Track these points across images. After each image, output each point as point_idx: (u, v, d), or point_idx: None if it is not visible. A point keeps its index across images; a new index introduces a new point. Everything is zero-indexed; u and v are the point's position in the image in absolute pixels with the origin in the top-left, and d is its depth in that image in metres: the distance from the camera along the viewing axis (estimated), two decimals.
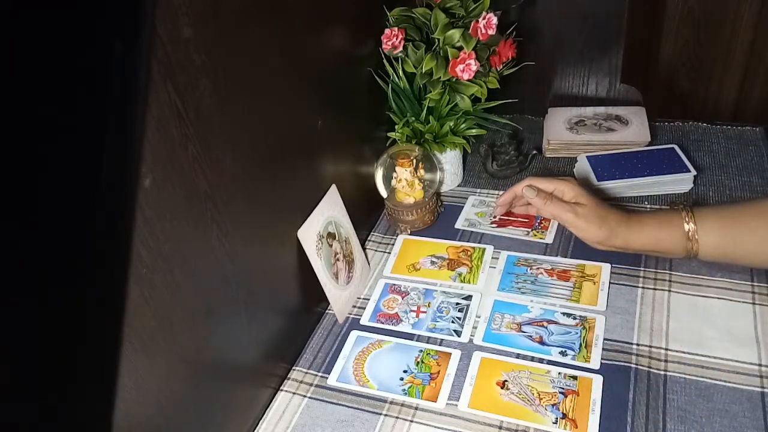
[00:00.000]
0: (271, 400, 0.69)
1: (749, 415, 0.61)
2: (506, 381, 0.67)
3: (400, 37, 0.85)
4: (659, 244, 0.73)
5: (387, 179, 0.90)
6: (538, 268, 0.81)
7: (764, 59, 1.40)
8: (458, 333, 0.74)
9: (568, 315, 0.74)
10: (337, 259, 0.76)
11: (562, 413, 0.63)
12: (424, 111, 0.89)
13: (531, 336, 0.72)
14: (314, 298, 0.75)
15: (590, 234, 0.75)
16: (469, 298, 0.78)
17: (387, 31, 0.86)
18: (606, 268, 0.80)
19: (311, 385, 0.70)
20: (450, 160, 0.95)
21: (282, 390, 0.70)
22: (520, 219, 0.90)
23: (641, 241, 0.73)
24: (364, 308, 0.79)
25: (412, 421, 0.65)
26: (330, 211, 0.76)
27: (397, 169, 0.87)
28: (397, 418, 0.66)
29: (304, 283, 0.73)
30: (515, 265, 0.82)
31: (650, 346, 0.69)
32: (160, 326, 0.49)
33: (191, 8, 0.47)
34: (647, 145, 0.98)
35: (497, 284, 0.80)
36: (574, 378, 0.67)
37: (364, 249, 0.86)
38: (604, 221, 0.74)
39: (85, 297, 0.42)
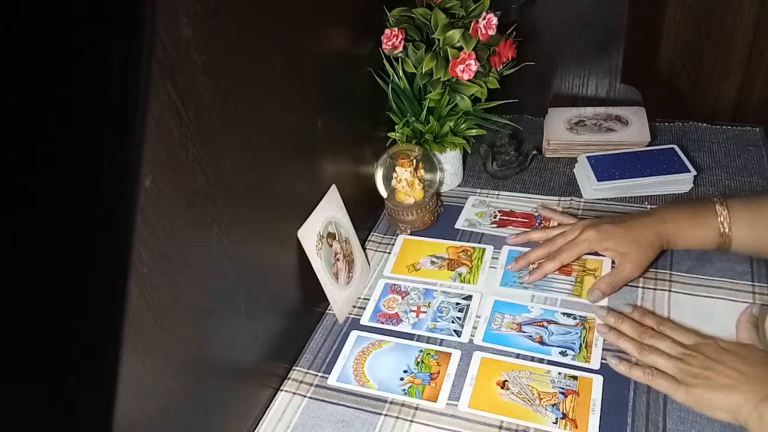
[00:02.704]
0: (271, 400, 0.69)
1: None
2: (506, 381, 0.67)
3: (400, 37, 0.85)
4: (696, 245, 0.75)
5: (387, 179, 0.90)
6: (539, 263, 0.82)
7: (764, 59, 1.40)
8: (458, 333, 0.74)
9: (569, 315, 0.74)
10: (337, 259, 0.76)
11: (562, 413, 0.63)
12: (424, 111, 0.89)
13: (531, 336, 0.72)
14: (314, 298, 0.75)
15: (646, 267, 0.76)
16: (469, 298, 0.78)
17: (387, 31, 0.86)
18: (607, 262, 0.80)
19: (311, 385, 0.70)
20: (450, 160, 0.95)
21: (282, 390, 0.70)
22: (520, 219, 0.90)
23: (681, 245, 0.75)
24: (364, 308, 0.79)
25: (412, 421, 0.65)
26: (330, 211, 0.76)
27: (397, 169, 0.87)
28: (397, 418, 0.66)
29: (304, 283, 0.73)
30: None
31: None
32: (160, 326, 0.49)
33: (191, 8, 0.47)
34: (647, 145, 0.98)
35: (499, 278, 0.80)
36: (575, 378, 0.67)
37: (364, 249, 0.86)
38: (647, 249, 0.74)
39: (85, 297, 0.42)
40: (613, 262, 0.78)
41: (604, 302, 0.75)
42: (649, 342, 0.67)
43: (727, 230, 0.71)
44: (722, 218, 0.71)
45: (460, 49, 0.84)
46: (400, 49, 0.86)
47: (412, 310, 0.78)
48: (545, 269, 0.78)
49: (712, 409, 0.60)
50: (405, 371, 0.70)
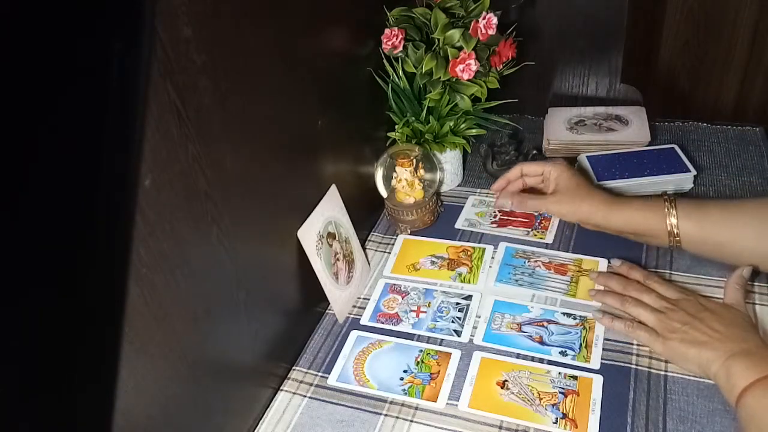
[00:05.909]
0: (271, 400, 0.69)
1: None
2: (506, 381, 0.67)
3: (400, 37, 0.85)
4: (639, 226, 0.75)
5: (387, 179, 0.90)
6: (536, 261, 0.82)
7: (764, 59, 1.40)
8: (458, 333, 0.74)
9: (569, 315, 0.74)
10: (337, 259, 0.76)
11: (562, 413, 0.63)
12: (424, 111, 0.89)
13: (531, 336, 0.72)
14: (314, 298, 0.75)
15: (569, 217, 0.80)
16: (469, 298, 0.78)
17: (387, 31, 0.86)
18: (603, 263, 0.80)
19: (311, 385, 0.70)
20: (450, 160, 0.95)
21: (282, 390, 0.70)
22: (520, 219, 0.89)
23: (621, 220, 0.76)
24: (364, 308, 0.79)
25: (412, 421, 0.65)
26: (330, 211, 0.76)
27: (397, 169, 0.87)
28: (397, 418, 0.66)
29: (304, 283, 0.73)
30: (513, 257, 0.83)
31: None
32: (160, 326, 0.49)
33: (191, 8, 0.47)
34: (647, 145, 0.98)
35: (495, 275, 0.80)
36: (575, 378, 0.67)
37: (364, 249, 0.86)
38: (583, 201, 0.78)
39: (85, 297, 0.42)
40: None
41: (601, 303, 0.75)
42: (633, 295, 0.71)
43: (674, 221, 0.72)
44: (667, 207, 0.73)
45: (460, 48, 0.84)
46: (400, 48, 0.86)
47: (412, 310, 0.78)
48: (509, 187, 0.86)
49: (684, 362, 0.64)
50: (405, 371, 0.70)
